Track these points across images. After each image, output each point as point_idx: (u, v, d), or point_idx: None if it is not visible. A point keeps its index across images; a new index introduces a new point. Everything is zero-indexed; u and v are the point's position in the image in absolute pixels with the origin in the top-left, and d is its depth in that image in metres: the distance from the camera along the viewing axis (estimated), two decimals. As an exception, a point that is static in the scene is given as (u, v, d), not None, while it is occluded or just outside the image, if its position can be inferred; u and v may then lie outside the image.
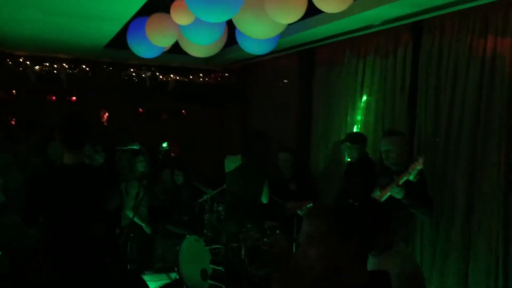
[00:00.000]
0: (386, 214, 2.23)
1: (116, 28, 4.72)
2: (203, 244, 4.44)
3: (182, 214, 5.58)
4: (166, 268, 5.17)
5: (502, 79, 3.35)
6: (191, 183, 5.57)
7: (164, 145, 4.18)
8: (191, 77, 7.47)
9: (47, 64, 6.63)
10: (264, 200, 4.45)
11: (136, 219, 4.86)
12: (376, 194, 3.52)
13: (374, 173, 3.94)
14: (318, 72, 5.58)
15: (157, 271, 5.21)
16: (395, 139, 3.61)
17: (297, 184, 5.00)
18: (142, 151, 5.10)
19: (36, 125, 6.76)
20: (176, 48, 3.70)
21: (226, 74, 7.67)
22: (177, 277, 4.65)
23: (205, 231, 4.62)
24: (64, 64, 6.71)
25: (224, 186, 4.70)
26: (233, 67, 7.46)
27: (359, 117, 4.82)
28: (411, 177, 3.21)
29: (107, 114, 7.53)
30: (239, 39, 3.44)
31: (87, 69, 6.84)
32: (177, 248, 4.63)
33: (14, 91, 6.82)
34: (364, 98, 4.74)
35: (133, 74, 7.09)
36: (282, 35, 3.33)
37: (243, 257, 3.72)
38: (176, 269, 4.61)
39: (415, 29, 4.10)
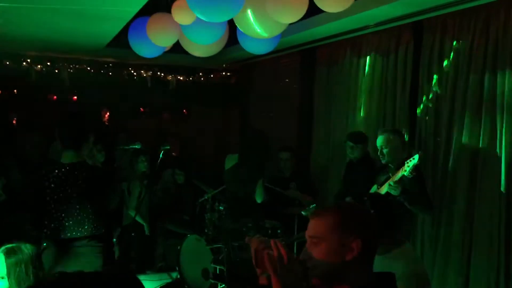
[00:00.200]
0: (389, 211, 2.23)
1: (117, 27, 4.72)
2: (204, 243, 4.44)
3: (183, 214, 5.58)
4: (168, 267, 5.17)
5: (503, 79, 3.35)
6: (192, 182, 5.57)
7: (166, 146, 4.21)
8: (192, 76, 7.47)
9: (48, 63, 6.64)
10: (258, 199, 4.48)
11: (138, 218, 4.87)
12: (373, 191, 3.53)
13: (374, 172, 3.95)
14: (319, 71, 5.58)
15: (158, 270, 5.21)
16: (388, 136, 3.64)
17: (297, 183, 5.01)
18: (143, 151, 5.10)
19: (37, 124, 6.77)
20: (177, 47, 3.71)
21: (227, 74, 7.67)
22: (178, 276, 4.65)
23: (206, 231, 4.62)
24: (65, 63, 6.72)
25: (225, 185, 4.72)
26: (234, 66, 7.46)
27: (360, 117, 4.82)
28: (406, 173, 3.22)
29: (108, 113, 7.53)
30: (240, 39, 3.44)
31: (88, 68, 6.85)
32: (178, 247, 4.63)
33: (15, 90, 6.82)
34: (365, 97, 4.73)
35: (134, 73, 7.10)
36: (283, 34, 3.33)
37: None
38: (177, 268, 4.61)
39: (416, 29, 4.10)
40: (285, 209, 4.60)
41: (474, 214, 3.56)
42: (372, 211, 2.09)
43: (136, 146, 4.54)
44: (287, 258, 1.44)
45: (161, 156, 4.22)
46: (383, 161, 3.66)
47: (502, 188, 3.34)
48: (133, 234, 5.03)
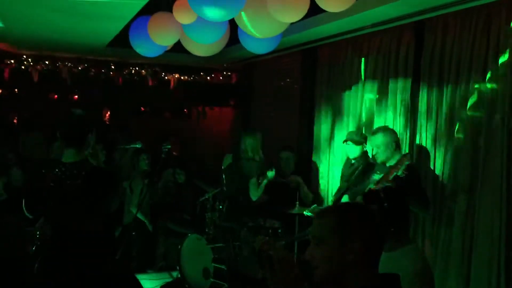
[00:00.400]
0: (403, 207, 2.24)
1: (118, 26, 4.72)
2: (205, 242, 4.45)
3: (183, 213, 5.59)
4: (168, 266, 5.18)
5: (505, 78, 3.34)
6: (192, 181, 5.58)
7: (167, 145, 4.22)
8: (193, 76, 7.48)
9: (50, 62, 6.66)
10: (253, 197, 4.51)
11: (139, 215, 4.89)
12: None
13: (372, 171, 3.97)
14: (320, 71, 5.58)
15: (159, 269, 5.22)
16: (378, 136, 3.67)
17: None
18: (144, 150, 5.12)
19: (37, 123, 6.79)
20: (178, 47, 3.71)
21: (228, 73, 7.68)
22: (179, 275, 4.65)
23: (206, 230, 4.63)
24: (66, 63, 6.73)
25: (225, 184, 4.75)
26: (235, 66, 7.46)
27: (361, 116, 4.81)
28: (399, 173, 3.23)
29: (109, 112, 7.54)
30: (241, 38, 3.44)
31: (90, 67, 6.86)
32: (179, 247, 4.64)
33: (16, 89, 6.84)
34: (366, 96, 4.73)
35: (135, 72, 7.11)
36: (284, 34, 3.33)
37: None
38: (178, 267, 4.62)
39: (417, 28, 4.10)
40: (286, 209, 4.60)
41: (474, 214, 3.56)
42: (385, 204, 2.11)
43: (137, 145, 4.55)
44: (284, 260, 1.44)
45: (163, 155, 4.23)
46: (378, 161, 3.69)
47: (503, 188, 3.34)
48: (134, 233, 5.04)
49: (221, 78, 7.67)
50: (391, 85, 4.41)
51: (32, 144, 6.62)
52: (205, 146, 7.58)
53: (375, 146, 3.70)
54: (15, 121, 7.36)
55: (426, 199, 3.58)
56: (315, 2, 2.67)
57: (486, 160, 3.47)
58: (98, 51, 6.29)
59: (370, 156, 4.30)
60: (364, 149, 4.28)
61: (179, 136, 7.17)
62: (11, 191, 4.88)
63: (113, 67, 6.99)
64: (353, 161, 4.30)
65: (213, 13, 2.72)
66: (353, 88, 4.94)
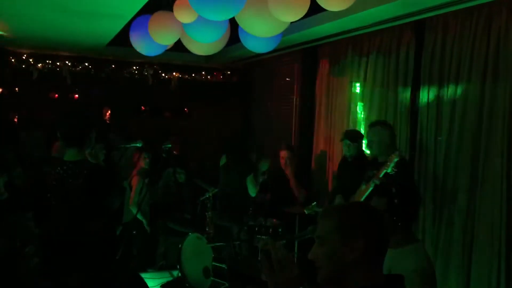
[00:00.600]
0: (414, 203, 2.25)
1: (119, 25, 4.72)
2: (205, 241, 4.45)
3: (184, 212, 5.59)
4: (169, 265, 5.18)
5: (505, 78, 3.34)
6: (193, 181, 5.58)
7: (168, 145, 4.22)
8: (193, 75, 7.48)
9: (50, 61, 6.66)
10: (252, 193, 4.54)
11: (139, 216, 4.89)
12: (362, 187, 3.53)
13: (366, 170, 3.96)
14: (320, 70, 5.58)
15: (159, 268, 5.21)
16: (375, 129, 3.63)
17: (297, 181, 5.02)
18: (145, 149, 5.12)
19: (38, 122, 6.78)
20: (178, 46, 3.71)
21: (229, 72, 7.68)
22: (179, 275, 4.65)
23: (207, 229, 4.63)
24: (66, 62, 6.73)
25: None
26: (235, 65, 7.46)
27: (361, 115, 4.82)
28: (389, 170, 3.22)
29: (109, 111, 7.53)
30: (241, 37, 3.44)
31: (90, 66, 6.86)
32: (179, 246, 4.64)
33: (16, 88, 6.83)
34: (367, 96, 4.73)
35: (136, 72, 7.10)
36: (284, 33, 3.33)
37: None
38: (178, 266, 4.62)
39: (417, 28, 4.09)
40: (286, 208, 4.60)
41: (475, 213, 3.56)
42: (396, 200, 2.11)
43: (138, 144, 4.55)
44: (284, 259, 1.44)
45: (164, 154, 4.24)
46: (371, 154, 3.65)
47: (504, 188, 3.34)
48: (134, 232, 5.04)
49: (221, 77, 7.67)
50: (391, 84, 4.41)
51: (33, 143, 6.62)
52: (206, 145, 7.56)
53: (370, 139, 3.65)
54: (15, 120, 7.35)
55: (418, 195, 3.55)
56: (315, 1, 2.67)
57: (487, 160, 3.47)
58: (99, 50, 6.29)
59: (365, 154, 4.30)
60: (360, 147, 4.28)
61: (179, 135, 7.15)
62: (12, 190, 4.88)
63: (113, 66, 6.99)
64: (349, 160, 4.31)
65: (214, 12, 2.72)
66: (353, 86, 4.94)
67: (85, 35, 5.31)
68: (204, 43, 3.47)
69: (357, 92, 4.89)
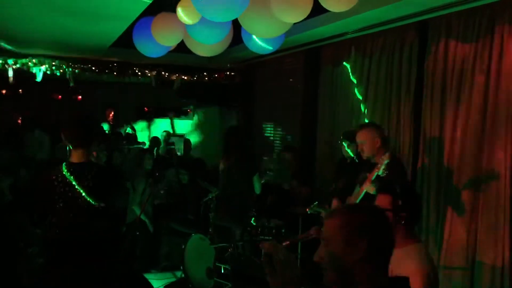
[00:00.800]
0: (417, 203, 2.26)
1: (122, 27, 4.74)
2: (208, 242, 4.46)
3: (187, 213, 5.59)
4: (172, 266, 5.19)
5: (509, 78, 3.34)
6: (196, 182, 5.58)
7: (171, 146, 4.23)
8: (196, 76, 7.49)
9: (54, 63, 6.68)
10: (257, 191, 4.55)
11: (142, 216, 4.90)
12: (356, 190, 3.51)
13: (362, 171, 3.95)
14: (323, 71, 5.58)
15: (162, 269, 5.22)
16: (363, 131, 3.57)
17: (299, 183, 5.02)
18: (149, 150, 5.14)
19: (42, 123, 6.81)
20: (181, 47, 3.71)
21: (231, 73, 7.68)
22: (183, 275, 4.66)
23: (210, 230, 4.63)
24: (70, 63, 6.75)
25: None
26: (238, 66, 7.47)
27: (364, 116, 4.81)
28: (380, 172, 3.19)
29: (112, 113, 7.55)
30: (244, 38, 3.44)
31: (93, 68, 6.88)
32: (183, 246, 4.65)
33: (20, 90, 6.86)
34: (370, 96, 4.73)
35: (139, 73, 7.12)
36: (287, 34, 3.33)
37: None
38: (181, 267, 4.63)
39: (420, 28, 4.09)
40: (289, 208, 4.60)
41: (478, 213, 3.55)
42: (400, 202, 2.12)
43: (141, 146, 4.57)
44: (286, 260, 1.44)
45: (167, 155, 4.24)
46: (364, 157, 3.61)
47: (506, 186, 3.33)
48: (137, 232, 5.05)
49: (224, 78, 7.68)
50: (394, 85, 4.40)
51: (36, 144, 6.64)
52: (209, 146, 7.58)
53: (361, 142, 3.58)
54: (19, 121, 7.39)
55: None
56: (318, 2, 2.67)
57: (490, 159, 3.46)
58: (102, 52, 6.30)
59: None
60: (359, 149, 4.25)
61: (182, 136, 7.18)
62: (17, 192, 4.90)
63: (116, 67, 7.01)
64: (348, 161, 4.30)
65: (216, 14, 2.72)
66: (356, 87, 4.94)
67: (89, 37, 5.33)
68: (207, 44, 3.47)
69: (360, 93, 4.88)
